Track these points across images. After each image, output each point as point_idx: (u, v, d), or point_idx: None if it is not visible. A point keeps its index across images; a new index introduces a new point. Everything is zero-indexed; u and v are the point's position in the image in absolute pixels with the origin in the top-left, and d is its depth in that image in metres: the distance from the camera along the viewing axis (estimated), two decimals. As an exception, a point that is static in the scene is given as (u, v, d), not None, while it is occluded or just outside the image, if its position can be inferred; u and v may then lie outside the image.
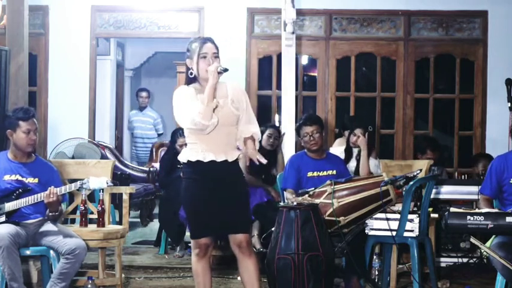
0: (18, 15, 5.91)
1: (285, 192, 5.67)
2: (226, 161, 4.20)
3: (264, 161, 4.21)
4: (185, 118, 4.12)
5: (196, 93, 4.16)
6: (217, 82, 4.17)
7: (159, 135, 10.67)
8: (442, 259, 6.20)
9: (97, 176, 4.92)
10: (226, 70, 4.16)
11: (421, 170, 5.51)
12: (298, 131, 5.75)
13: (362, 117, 7.46)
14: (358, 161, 6.10)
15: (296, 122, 6.28)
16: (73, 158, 7.59)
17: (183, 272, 6.22)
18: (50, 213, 4.82)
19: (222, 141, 4.20)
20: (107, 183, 4.86)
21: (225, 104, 4.21)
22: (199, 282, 4.27)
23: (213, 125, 4.11)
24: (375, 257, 5.61)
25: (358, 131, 6.15)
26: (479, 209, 4.61)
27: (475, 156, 7.47)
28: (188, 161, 4.21)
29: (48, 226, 4.86)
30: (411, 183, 5.18)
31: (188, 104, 4.11)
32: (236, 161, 4.28)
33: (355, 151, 6.19)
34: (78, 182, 4.81)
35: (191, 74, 4.25)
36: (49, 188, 4.73)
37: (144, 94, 10.53)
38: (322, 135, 5.69)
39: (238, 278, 5.91)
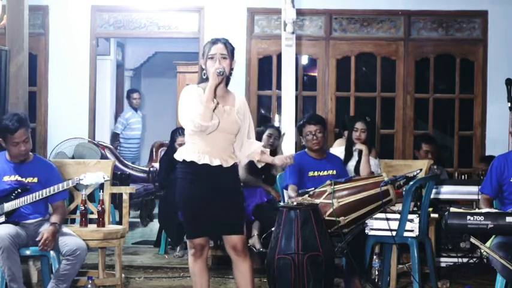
0: (18, 15, 5.90)
1: (285, 190, 5.66)
2: (220, 166, 4.17)
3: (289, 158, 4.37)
4: (186, 118, 4.12)
5: (203, 93, 4.13)
6: (222, 86, 4.19)
7: None
8: (442, 259, 6.20)
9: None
10: (221, 73, 4.10)
11: (421, 170, 5.51)
12: (300, 129, 5.73)
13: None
14: (359, 159, 6.07)
15: (296, 122, 6.28)
16: (73, 158, 7.59)
17: (183, 272, 6.22)
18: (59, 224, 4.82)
19: (219, 147, 4.19)
20: (104, 178, 4.86)
21: (231, 112, 4.22)
22: (196, 282, 4.27)
23: (213, 126, 4.09)
24: (375, 257, 5.61)
25: (359, 125, 6.13)
26: (479, 208, 4.62)
27: None
28: (183, 160, 4.20)
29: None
30: (411, 183, 5.18)
31: (190, 105, 4.10)
32: (232, 167, 4.23)
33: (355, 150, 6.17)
34: (75, 178, 4.82)
35: (204, 74, 4.24)
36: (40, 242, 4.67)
37: (136, 95, 10.44)
38: (324, 135, 5.70)
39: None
